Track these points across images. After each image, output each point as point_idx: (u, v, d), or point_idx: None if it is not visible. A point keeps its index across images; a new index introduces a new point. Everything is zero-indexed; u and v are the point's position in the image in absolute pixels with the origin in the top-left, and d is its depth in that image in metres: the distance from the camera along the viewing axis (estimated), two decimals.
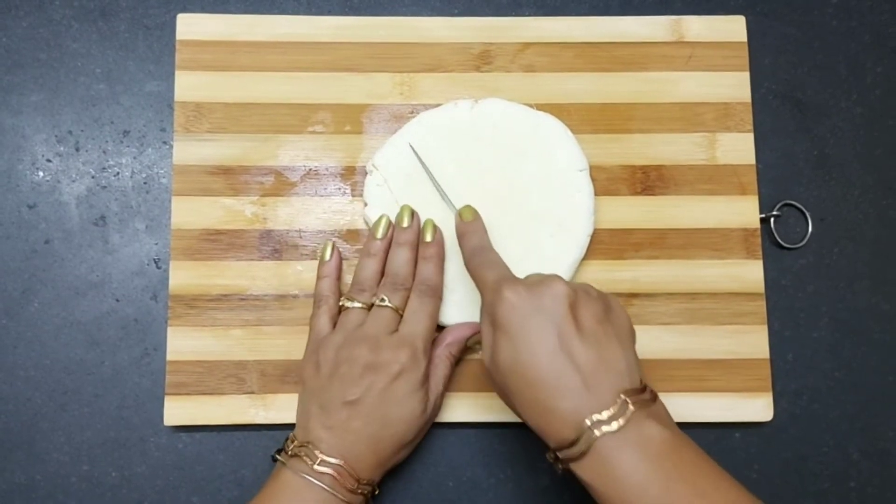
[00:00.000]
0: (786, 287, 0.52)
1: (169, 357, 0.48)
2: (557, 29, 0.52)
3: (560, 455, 0.36)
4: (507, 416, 0.44)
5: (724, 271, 0.50)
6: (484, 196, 0.49)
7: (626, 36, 0.52)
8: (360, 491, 0.41)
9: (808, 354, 0.51)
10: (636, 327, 0.49)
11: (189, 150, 0.50)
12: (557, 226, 0.49)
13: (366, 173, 0.50)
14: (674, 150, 0.51)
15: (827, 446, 0.50)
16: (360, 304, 0.45)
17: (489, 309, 0.39)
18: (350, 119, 0.51)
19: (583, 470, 0.35)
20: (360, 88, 0.51)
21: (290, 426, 0.45)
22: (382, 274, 0.47)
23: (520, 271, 0.46)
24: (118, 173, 0.52)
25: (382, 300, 0.45)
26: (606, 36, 0.52)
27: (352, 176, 0.51)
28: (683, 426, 0.48)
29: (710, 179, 0.51)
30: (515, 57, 0.52)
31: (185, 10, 0.53)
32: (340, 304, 0.46)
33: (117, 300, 0.50)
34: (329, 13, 0.54)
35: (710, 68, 0.52)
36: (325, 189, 0.51)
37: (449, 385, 0.47)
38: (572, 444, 0.35)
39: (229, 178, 0.50)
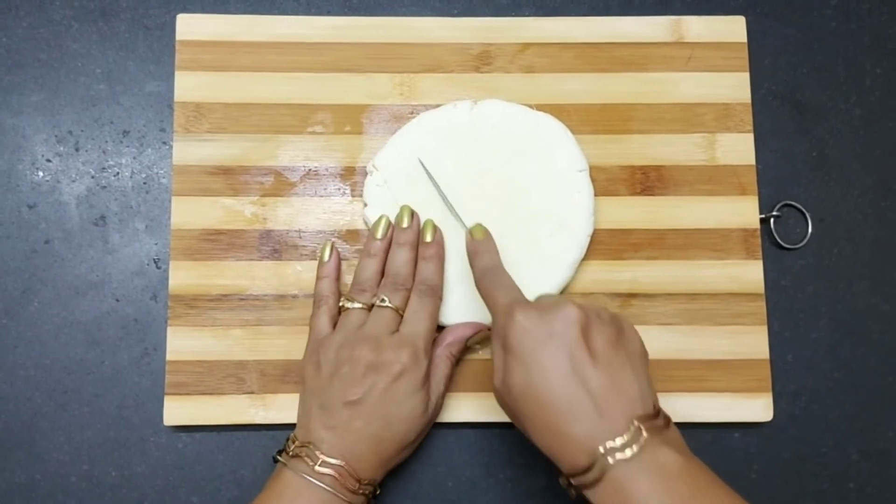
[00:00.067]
0: (785, 287, 0.52)
1: (169, 357, 0.48)
2: (557, 29, 0.52)
3: (573, 481, 0.36)
4: (507, 417, 0.43)
5: (724, 272, 0.50)
6: (484, 196, 0.50)
7: (625, 36, 0.52)
8: (361, 491, 0.41)
9: (807, 355, 0.51)
10: (635, 328, 0.49)
11: (189, 151, 0.50)
12: (557, 226, 0.49)
13: (365, 174, 0.50)
14: (673, 150, 0.51)
15: (826, 447, 0.50)
16: (360, 305, 0.45)
17: (501, 332, 0.39)
18: (350, 119, 0.51)
19: (597, 496, 0.35)
20: (360, 89, 0.51)
21: (290, 426, 0.45)
22: (382, 274, 0.47)
23: (519, 271, 0.46)
24: (118, 173, 0.52)
25: (383, 300, 0.45)
26: (606, 36, 0.52)
27: (351, 176, 0.51)
28: (683, 426, 0.48)
29: (710, 180, 0.51)
30: (515, 57, 0.52)
31: (185, 10, 0.53)
32: (340, 304, 0.46)
33: (117, 300, 0.50)
34: (329, 14, 0.54)
35: (710, 69, 0.52)
36: (325, 189, 0.51)
37: (449, 385, 0.47)
38: (586, 470, 0.35)
39: (229, 179, 0.50)
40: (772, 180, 0.53)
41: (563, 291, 0.49)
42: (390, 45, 0.52)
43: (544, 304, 0.38)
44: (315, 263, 0.49)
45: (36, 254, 0.51)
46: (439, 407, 0.46)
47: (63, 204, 0.51)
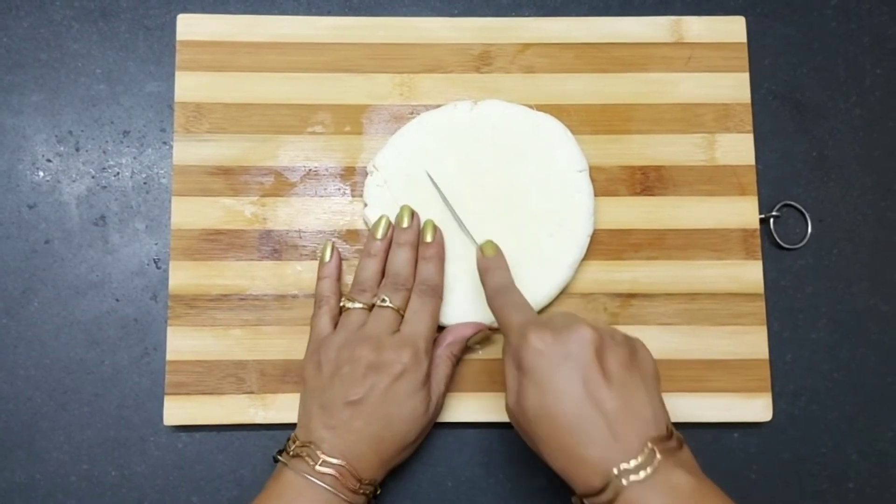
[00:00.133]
0: (785, 288, 0.52)
1: (169, 357, 0.48)
2: (557, 30, 0.52)
3: (586, 502, 0.36)
4: (506, 417, 0.43)
5: (724, 272, 0.50)
6: (484, 197, 0.50)
7: (625, 37, 0.52)
8: (362, 491, 0.41)
9: (806, 355, 0.51)
10: (635, 328, 0.49)
11: (189, 151, 0.50)
12: (557, 226, 0.49)
13: (365, 174, 0.50)
14: (673, 150, 0.51)
15: (825, 447, 0.50)
16: (361, 305, 0.45)
17: (514, 353, 0.39)
18: (350, 120, 0.51)
19: None
20: (360, 89, 0.51)
21: (290, 426, 0.45)
22: (383, 274, 0.47)
23: (519, 271, 0.46)
24: (118, 173, 0.52)
25: (383, 300, 0.45)
26: (606, 37, 0.52)
27: (351, 176, 0.51)
28: (682, 426, 0.48)
29: (710, 180, 0.51)
30: (515, 58, 0.52)
31: (185, 10, 0.53)
32: (341, 304, 0.46)
33: (117, 300, 0.50)
34: (329, 14, 0.54)
35: (710, 69, 0.52)
36: (325, 189, 0.51)
37: (450, 385, 0.47)
38: (599, 492, 0.35)
39: (229, 179, 0.50)
40: (771, 180, 0.53)
41: (563, 291, 0.50)
42: (390, 45, 0.52)
43: (558, 326, 0.38)
44: (315, 263, 0.49)
45: (36, 254, 0.51)
46: (440, 407, 0.46)
47: (63, 204, 0.51)
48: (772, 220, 0.52)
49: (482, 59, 0.52)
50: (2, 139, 0.52)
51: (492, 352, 0.49)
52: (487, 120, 0.50)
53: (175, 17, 0.52)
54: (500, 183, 0.50)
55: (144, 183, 0.52)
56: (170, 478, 0.49)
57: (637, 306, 0.50)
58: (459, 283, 0.49)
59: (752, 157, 0.51)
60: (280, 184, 0.51)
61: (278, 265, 0.50)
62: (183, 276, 0.49)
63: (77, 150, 0.52)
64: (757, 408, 0.49)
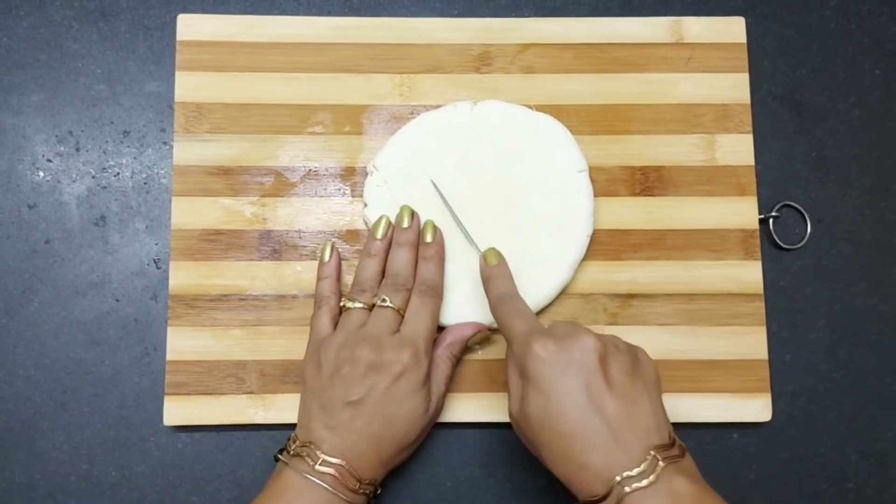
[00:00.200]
0: (784, 288, 0.52)
1: (168, 357, 0.48)
2: (557, 30, 0.52)
3: None
4: (505, 417, 0.44)
5: (723, 272, 0.50)
6: (483, 197, 0.50)
7: (625, 37, 0.52)
8: (361, 491, 0.41)
9: (805, 355, 0.51)
10: (634, 328, 0.49)
11: (189, 151, 0.50)
12: (557, 226, 0.49)
13: (365, 174, 0.50)
14: (673, 151, 0.51)
15: (825, 447, 0.50)
16: (361, 305, 0.46)
17: (518, 361, 0.39)
18: (350, 120, 0.51)
19: None
20: (360, 89, 0.51)
21: (290, 426, 0.45)
22: (383, 274, 0.47)
23: (519, 272, 0.46)
24: (118, 173, 0.52)
25: (384, 300, 0.45)
26: (606, 37, 0.52)
27: (351, 177, 0.51)
28: (682, 426, 0.48)
29: (709, 180, 0.51)
30: (515, 58, 0.52)
31: (185, 10, 0.53)
32: (341, 304, 0.46)
33: (117, 300, 0.51)
34: (329, 14, 0.54)
35: (710, 69, 0.52)
36: (325, 190, 0.51)
37: (450, 385, 0.47)
38: (602, 499, 0.36)
39: (229, 179, 0.50)
40: (771, 181, 0.53)
41: (563, 292, 0.50)
42: (390, 45, 0.52)
43: (561, 334, 0.39)
44: (315, 264, 0.49)
45: (36, 254, 0.51)
46: (440, 407, 0.46)
47: (63, 204, 0.51)
48: (771, 220, 0.52)
49: (482, 60, 0.52)
50: (2, 139, 0.52)
51: (491, 352, 0.49)
52: (487, 120, 0.50)
53: (175, 18, 0.52)
54: (500, 183, 0.50)
55: (144, 183, 0.52)
56: (170, 478, 0.49)
57: (636, 307, 0.50)
58: (459, 284, 0.49)
59: (751, 157, 0.51)
60: (280, 184, 0.51)
61: (278, 265, 0.50)
62: (183, 277, 0.49)
63: (77, 150, 0.52)
64: (756, 408, 0.49)
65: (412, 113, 0.51)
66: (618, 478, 0.35)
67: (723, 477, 0.50)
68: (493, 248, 0.46)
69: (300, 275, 0.50)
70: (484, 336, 0.49)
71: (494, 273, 0.45)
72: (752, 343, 0.49)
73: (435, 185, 0.49)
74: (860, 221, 0.53)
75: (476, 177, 0.50)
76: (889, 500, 0.50)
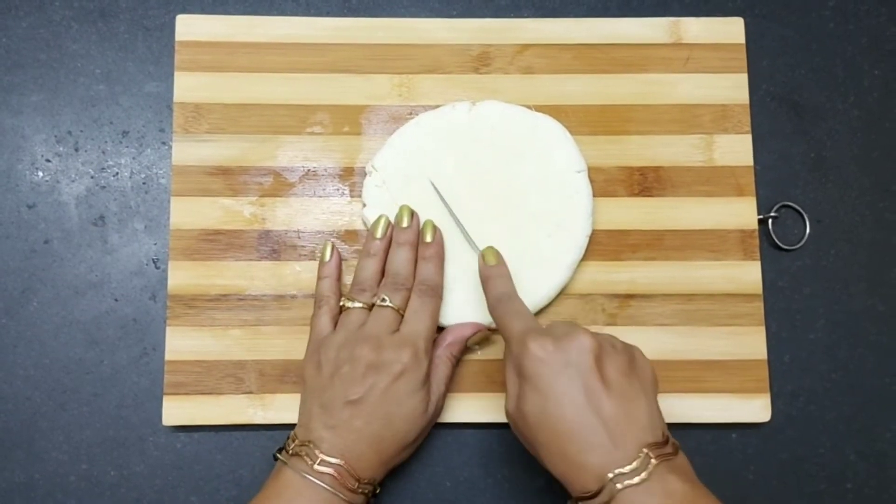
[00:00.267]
0: (783, 288, 0.52)
1: (167, 357, 0.48)
2: (556, 30, 0.52)
3: None
4: (505, 417, 0.44)
5: (722, 272, 0.50)
6: (482, 197, 0.50)
7: (624, 37, 0.52)
8: (360, 490, 0.41)
9: (804, 356, 0.51)
10: (633, 328, 0.49)
11: (188, 151, 0.50)
12: (555, 227, 0.49)
13: (364, 174, 0.50)
14: (672, 151, 0.51)
15: (824, 447, 0.50)
16: (360, 304, 0.46)
17: (516, 360, 0.40)
18: (349, 120, 0.51)
19: None
20: (359, 90, 0.51)
21: (289, 426, 0.45)
22: (382, 274, 0.47)
23: (518, 272, 0.46)
24: (117, 173, 0.52)
25: (383, 300, 0.45)
26: (605, 37, 0.52)
27: (350, 177, 0.51)
28: (681, 427, 0.48)
29: (708, 181, 0.51)
30: (514, 58, 0.52)
31: (184, 11, 0.53)
32: (341, 304, 0.46)
33: (116, 300, 0.51)
34: (328, 14, 0.54)
35: (708, 70, 0.52)
36: (324, 190, 0.51)
37: (450, 385, 0.47)
38: (594, 495, 0.36)
39: (228, 179, 0.50)
40: (770, 181, 0.53)
41: (562, 292, 0.50)
42: (389, 45, 0.52)
43: (559, 334, 0.39)
44: (314, 264, 0.49)
45: (35, 254, 0.51)
46: (440, 408, 0.46)
47: (62, 204, 0.51)
48: (770, 220, 0.52)
49: (481, 60, 0.52)
50: (1, 139, 0.52)
51: (490, 352, 0.49)
52: (486, 121, 0.50)
53: (174, 18, 0.52)
54: (499, 184, 0.50)
55: (143, 183, 0.52)
56: (169, 478, 0.49)
57: (635, 307, 0.50)
58: (459, 284, 0.49)
59: (750, 157, 0.51)
60: (279, 184, 0.51)
61: (277, 265, 0.50)
62: (182, 277, 0.49)
63: (76, 150, 0.52)
64: (755, 408, 0.49)
65: (411, 113, 0.51)
66: (610, 475, 0.35)
67: (722, 477, 0.50)
68: (492, 248, 0.46)
69: (299, 275, 0.50)
70: (483, 336, 0.49)
71: (493, 273, 0.45)
72: (751, 343, 0.49)
73: (434, 186, 0.49)
74: (859, 222, 0.53)
75: (475, 177, 0.50)
76: (888, 501, 0.50)
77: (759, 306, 0.50)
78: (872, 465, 0.50)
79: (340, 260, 0.49)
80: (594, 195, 0.50)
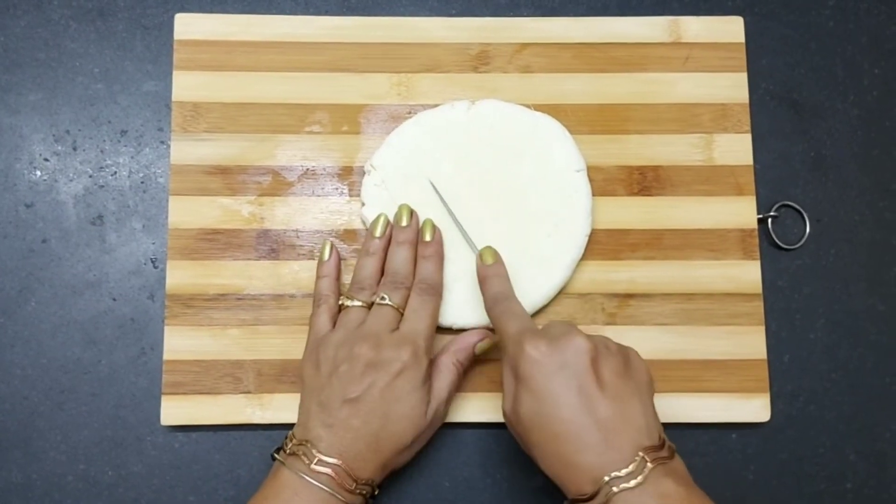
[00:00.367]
0: (783, 288, 0.52)
1: (165, 356, 0.48)
2: (555, 29, 0.52)
3: None
4: (504, 418, 0.44)
5: (721, 272, 0.50)
6: (481, 197, 0.50)
7: (623, 36, 0.52)
8: (358, 491, 0.41)
9: (804, 355, 0.51)
10: (632, 328, 0.49)
11: (186, 150, 0.50)
12: (554, 226, 0.49)
13: (363, 173, 0.50)
14: (671, 150, 0.51)
15: (823, 447, 0.50)
16: (360, 303, 0.45)
17: (511, 362, 0.40)
18: (347, 119, 0.51)
19: None
20: (358, 89, 0.51)
21: (287, 426, 0.45)
22: (382, 273, 0.47)
23: (517, 272, 0.46)
24: (115, 173, 0.52)
25: (383, 298, 0.45)
26: (604, 36, 0.52)
27: (349, 176, 0.51)
28: (680, 427, 0.48)
29: (708, 180, 0.51)
30: (513, 57, 0.52)
31: (182, 9, 0.53)
32: (340, 303, 0.46)
33: (114, 299, 0.50)
34: (326, 13, 0.54)
35: (708, 69, 0.52)
36: (323, 189, 0.51)
37: (454, 393, 0.47)
38: (590, 498, 0.36)
39: (226, 178, 0.50)
40: (769, 181, 0.53)
41: (561, 292, 0.49)
42: (388, 44, 0.52)
43: (554, 335, 0.39)
44: (312, 263, 0.49)
45: (33, 253, 0.51)
46: (441, 415, 0.46)
47: (60, 203, 0.51)
48: (770, 220, 0.52)
49: (480, 59, 0.52)
50: None
51: (490, 353, 0.49)
52: (485, 120, 0.50)
53: (172, 17, 0.52)
54: (498, 183, 0.50)
55: (142, 182, 0.52)
56: (167, 477, 0.49)
57: (634, 306, 0.50)
58: (458, 283, 0.49)
59: (749, 157, 0.51)
60: (277, 183, 0.51)
61: (276, 265, 0.50)
62: (180, 276, 0.49)
63: (74, 149, 0.52)
64: (755, 408, 0.49)
65: (410, 112, 0.51)
66: (606, 478, 0.35)
67: (721, 477, 0.50)
68: (490, 247, 0.46)
69: (297, 274, 0.50)
70: (491, 343, 0.48)
71: (490, 273, 0.45)
72: (750, 343, 0.49)
73: (433, 185, 0.49)
74: (859, 221, 0.52)
75: (474, 176, 0.50)
76: (888, 500, 0.50)
77: (758, 306, 0.50)
78: (872, 464, 0.50)
79: (339, 259, 0.49)
80: (593, 194, 0.50)
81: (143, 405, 0.49)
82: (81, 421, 0.49)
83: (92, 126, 0.52)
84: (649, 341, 0.49)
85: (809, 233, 0.52)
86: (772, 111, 0.53)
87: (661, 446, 0.37)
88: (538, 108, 0.51)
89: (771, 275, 0.51)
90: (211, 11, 0.53)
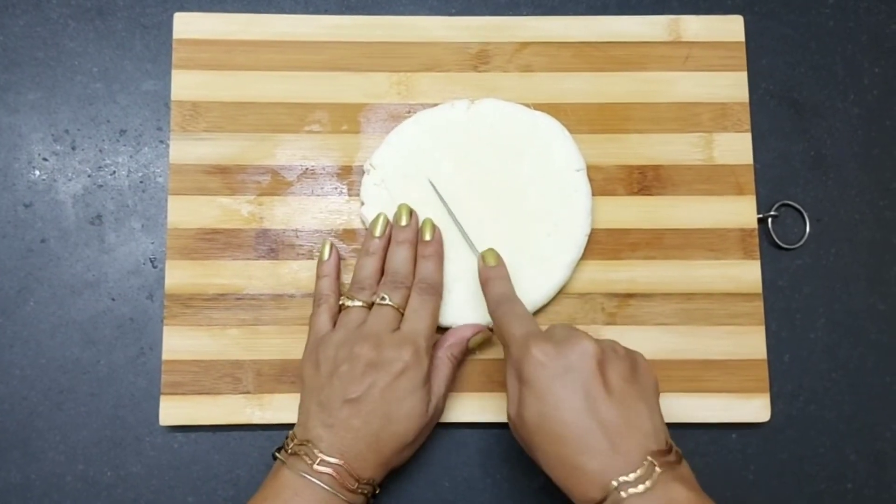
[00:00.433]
0: (783, 288, 0.52)
1: (165, 356, 0.48)
2: (555, 28, 0.52)
3: None
4: (503, 417, 0.43)
5: (721, 272, 0.50)
6: (481, 196, 0.49)
7: (623, 35, 0.52)
8: (360, 491, 0.41)
9: (804, 355, 0.51)
10: (632, 328, 0.49)
11: (185, 149, 0.50)
12: (554, 226, 0.49)
13: (362, 173, 0.50)
14: (671, 150, 0.51)
15: (824, 447, 0.50)
16: (360, 303, 0.45)
17: (516, 364, 0.39)
18: (347, 118, 0.51)
19: None
20: (357, 88, 0.51)
21: (286, 426, 0.45)
22: (382, 273, 0.47)
23: (517, 271, 0.46)
24: (114, 172, 0.52)
25: (383, 298, 0.45)
26: (604, 35, 0.52)
27: (348, 175, 0.51)
28: (680, 427, 0.48)
29: (708, 180, 0.51)
30: (513, 56, 0.52)
31: (181, 8, 0.53)
32: (340, 302, 0.46)
33: (113, 299, 0.50)
34: (326, 12, 0.54)
35: (708, 68, 0.52)
36: (322, 188, 0.51)
37: (451, 386, 0.47)
38: (598, 503, 0.35)
39: (226, 178, 0.50)
40: (769, 180, 0.52)
41: (561, 291, 0.49)
42: (388, 43, 0.52)
43: (560, 338, 0.39)
44: (312, 263, 0.49)
45: (32, 253, 0.51)
46: (440, 409, 0.46)
47: (59, 203, 0.51)
48: (770, 219, 0.51)
49: (480, 58, 0.52)
50: None
51: (490, 352, 0.49)
52: (485, 119, 0.50)
53: (172, 16, 0.51)
54: (498, 182, 0.50)
55: (141, 182, 0.52)
56: (166, 478, 0.49)
57: (634, 306, 0.50)
58: (458, 283, 0.48)
59: (749, 156, 0.51)
60: (277, 183, 0.50)
61: (275, 264, 0.50)
62: (179, 276, 0.49)
63: (73, 148, 0.52)
64: (755, 408, 0.49)
65: (409, 111, 0.51)
66: (614, 483, 0.35)
67: (722, 477, 0.50)
68: (492, 249, 0.46)
69: (297, 274, 0.50)
70: (485, 337, 0.49)
71: (492, 274, 0.44)
72: (750, 343, 0.49)
73: (432, 185, 0.49)
74: (859, 220, 0.52)
75: (473, 176, 0.50)
76: (888, 500, 0.50)
77: (758, 305, 0.50)
78: (872, 464, 0.50)
79: (339, 259, 0.49)
80: (593, 194, 0.50)
81: (142, 405, 0.49)
82: (80, 421, 0.49)
83: (91, 125, 0.52)
84: (649, 341, 0.49)
85: (809, 232, 0.52)
86: (772, 110, 0.53)
87: (669, 451, 0.37)
88: (538, 107, 0.51)
89: (771, 274, 0.51)
90: (210, 10, 0.53)
